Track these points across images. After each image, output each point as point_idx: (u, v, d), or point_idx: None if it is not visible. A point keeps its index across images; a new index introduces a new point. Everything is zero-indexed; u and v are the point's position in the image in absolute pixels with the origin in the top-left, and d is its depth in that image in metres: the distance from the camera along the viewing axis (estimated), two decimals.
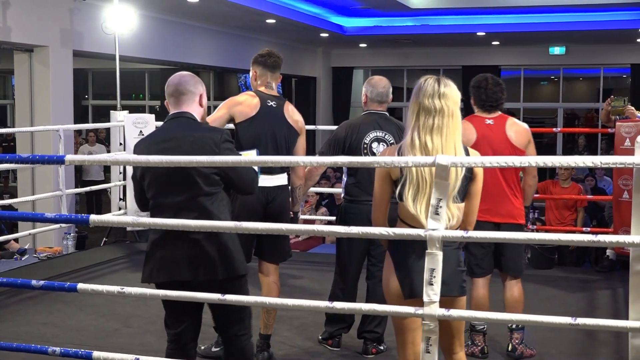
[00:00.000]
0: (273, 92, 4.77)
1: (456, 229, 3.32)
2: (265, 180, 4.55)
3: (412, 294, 3.26)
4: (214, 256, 3.57)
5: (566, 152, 18.18)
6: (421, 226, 3.20)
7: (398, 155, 3.32)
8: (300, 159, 3.57)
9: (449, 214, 3.22)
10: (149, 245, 3.69)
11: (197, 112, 3.71)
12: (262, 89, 4.76)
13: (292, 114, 4.78)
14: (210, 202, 3.59)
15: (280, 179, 4.71)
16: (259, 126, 4.62)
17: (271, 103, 4.70)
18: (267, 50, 4.83)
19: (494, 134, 4.82)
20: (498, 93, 4.90)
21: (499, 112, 4.92)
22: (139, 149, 3.70)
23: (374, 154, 4.78)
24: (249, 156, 4.31)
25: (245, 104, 4.66)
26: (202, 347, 4.70)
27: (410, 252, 3.27)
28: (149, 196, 3.68)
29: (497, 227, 4.73)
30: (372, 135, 4.83)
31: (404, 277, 3.29)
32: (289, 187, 4.84)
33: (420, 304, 3.19)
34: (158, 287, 3.69)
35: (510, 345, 4.86)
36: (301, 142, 4.84)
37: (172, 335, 3.74)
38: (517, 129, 4.87)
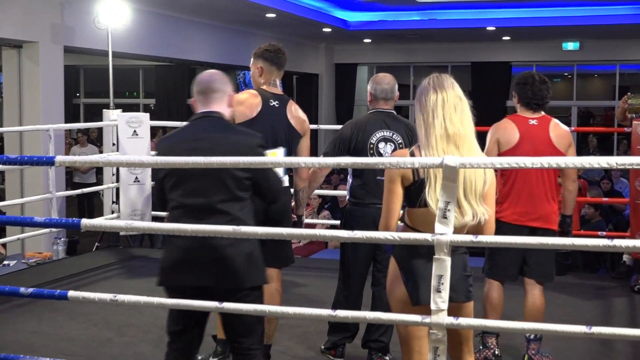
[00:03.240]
0: (276, 91, 4.76)
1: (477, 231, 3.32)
2: None
3: (420, 300, 3.26)
4: (240, 264, 3.57)
5: (580, 152, 18.17)
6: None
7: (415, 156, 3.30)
8: (302, 160, 3.57)
9: (473, 211, 3.23)
10: (168, 248, 3.67)
11: (226, 112, 3.73)
12: (265, 87, 4.75)
13: (296, 113, 4.76)
14: (239, 208, 3.61)
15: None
16: (259, 128, 4.59)
17: (274, 103, 4.69)
18: (275, 46, 4.79)
19: (537, 134, 4.81)
20: (544, 91, 4.89)
21: (543, 113, 4.92)
22: (164, 146, 3.69)
23: (380, 155, 4.78)
24: (276, 156, 4.35)
25: (246, 104, 4.64)
26: (200, 358, 4.69)
27: (418, 258, 3.27)
28: (173, 196, 3.65)
29: (534, 232, 4.71)
30: (379, 135, 4.82)
31: (412, 284, 3.28)
32: (292, 190, 4.84)
33: (427, 311, 3.19)
34: (171, 291, 3.66)
35: (526, 355, 4.86)
36: (305, 143, 4.83)
37: (174, 343, 3.74)
38: (559, 132, 4.86)
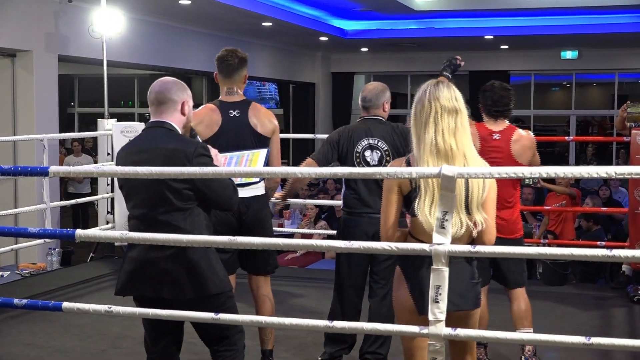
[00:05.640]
0: (236, 98, 4.69)
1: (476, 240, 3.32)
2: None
3: (427, 310, 3.25)
4: (181, 274, 3.57)
5: (579, 161, 18.21)
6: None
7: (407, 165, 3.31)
8: (299, 170, 3.56)
9: (475, 220, 3.25)
10: (124, 258, 3.75)
11: (178, 121, 3.70)
12: (223, 97, 4.70)
13: (259, 117, 4.68)
14: (183, 218, 3.60)
15: (254, 190, 4.66)
16: (223, 142, 4.53)
17: (234, 113, 4.63)
18: (223, 52, 4.71)
19: (498, 149, 4.83)
20: (505, 98, 4.90)
21: (507, 123, 4.92)
22: (119, 157, 3.77)
23: (367, 163, 4.80)
24: (258, 156, 4.34)
25: (205, 122, 4.59)
26: None
27: (423, 267, 3.27)
28: (127, 208, 3.73)
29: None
30: (364, 143, 4.84)
31: (418, 293, 3.28)
32: (266, 196, 4.80)
33: None
34: (135, 300, 3.77)
35: (522, 357, 4.86)
36: (274, 143, 4.75)
37: (149, 353, 3.80)
38: (522, 143, 4.88)
